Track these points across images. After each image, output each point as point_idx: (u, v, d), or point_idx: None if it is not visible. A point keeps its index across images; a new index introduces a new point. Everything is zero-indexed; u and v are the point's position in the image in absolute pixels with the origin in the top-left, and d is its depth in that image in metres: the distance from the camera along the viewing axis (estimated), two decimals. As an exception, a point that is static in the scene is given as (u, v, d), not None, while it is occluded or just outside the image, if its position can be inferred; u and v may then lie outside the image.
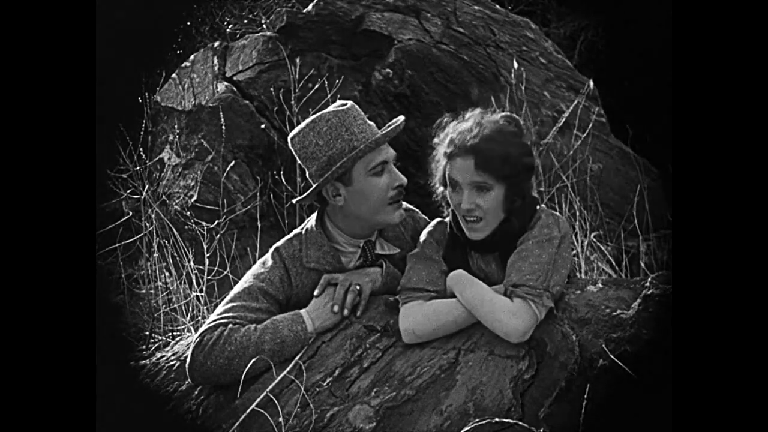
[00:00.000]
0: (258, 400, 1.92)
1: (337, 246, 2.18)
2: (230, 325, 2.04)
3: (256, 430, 1.90)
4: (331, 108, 2.13)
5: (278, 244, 2.20)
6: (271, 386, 1.94)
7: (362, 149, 2.04)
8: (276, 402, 1.91)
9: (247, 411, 1.90)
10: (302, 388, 1.93)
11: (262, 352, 2.00)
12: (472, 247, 2.06)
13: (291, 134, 2.14)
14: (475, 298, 1.92)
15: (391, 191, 2.09)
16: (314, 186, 2.09)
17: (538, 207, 2.04)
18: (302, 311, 2.08)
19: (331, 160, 2.06)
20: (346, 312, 2.08)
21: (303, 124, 2.12)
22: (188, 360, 2.04)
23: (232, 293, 2.14)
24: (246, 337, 2.01)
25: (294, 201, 2.22)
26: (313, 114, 2.14)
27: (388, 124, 2.13)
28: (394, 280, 2.12)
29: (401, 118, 2.15)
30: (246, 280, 2.15)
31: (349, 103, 2.14)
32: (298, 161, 2.16)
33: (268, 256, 2.19)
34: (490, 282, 1.98)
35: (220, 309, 2.11)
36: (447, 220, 2.14)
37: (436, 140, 2.06)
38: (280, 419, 1.88)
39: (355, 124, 2.08)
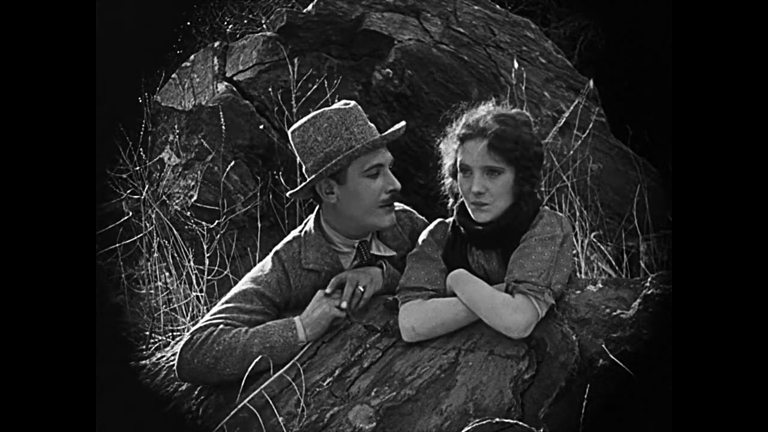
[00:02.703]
0: (250, 397, 1.91)
1: (334, 246, 2.18)
2: (221, 326, 2.04)
3: (256, 430, 1.90)
4: (334, 106, 2.14)
5: (278, 247, 2.20)
6: (264, 384, 1.94)
7: (359, 149, 2.05)
8: (274, 402, 1.91)
9: (239, 406, 1.91)
10: (299, 391, 1.93)
11: (250, 354, 1.99)
12: (475, 241, 2.05)
13: (292, 128, 2.15)
14: (476, 294, 1.92)
15: (384, 195, 2.10)
16: (308, 180, 2.10)
17: (540, 207, 2.05)
18: (296, 318, 2.07)
19: (327, 157, 2.06)
20: (344, 305, 2.08)
21: (304, 119, 2.13)
22: (176, 357, 2.06)
23: (227, 295, 2.15)
24: (235, 339, 2.01)
25: (288, 194, 2.22)
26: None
27: (390, 129, 2.13)
28: (395, 280, 2.12)
29: (402, 123, 2.16)
30: (242, 283, 2.16)
31: (353, 102, 2.15)
32: (296, 155, 2.16)
33: (267, 259, 2.19)
34: (490, 280, 1.98)
35: (213, 310, 2.12)
36: (448, 220, 2.14)
37: (448, 128, 2.07)
38: (280, 419, 1.88)
39: (355, 124, 2.08)
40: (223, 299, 2.14)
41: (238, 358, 1.99)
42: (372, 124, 2.13)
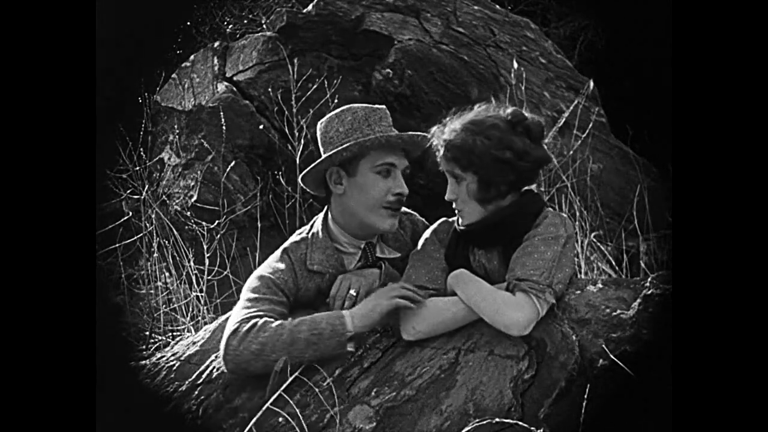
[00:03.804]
0: (272, 398, 1.90)
1: (339, 246, 2.18)
2: (264, 318, 2.02)
3: (255, 429, 1.90)
4: (365, 105, 2.19)
5: (286, 245, 2.20)
6: (284, 386, 1.92)
7: (372, 140, 2.08)
8: (274, 403, 1.91)
9: (263, 409, 1.89)
10: (316, 389, 1.93)
11: (298, 341, 1.96)
12: (472, 241, 2.06)
13: (321, 119, 2.21)
14: (476, 293, 1.92)
15: (391, 196, 2.11)
16: (320, 160, 2.12)
17: (545, 207, 2.05)
18: (344, 311, 2.04)
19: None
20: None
21: (334, 111, 2.19)
22: (222, 348, 2.01)
23: (250, 289, 2.12)
24: (281, 326, 1.98)
25: (299, 177, 2.23)
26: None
27: (409, 132, 2.15)
28: (394, 281, 2.12)
29: (423, 134, 2.16)
30: (260, 276, 2.13)
31: (384, 106, 2.20)
32: (319, 144, 2.19)
33: (278, 256, 2.18)
34: (491, 279, 1.98)
35: (246, 303, 2.08)
36: (451, 219, 2.15)
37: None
38: (280, 419, 1.88)
39: (378, 124, 2.13)
40: (249, 294, 2.11)
41: (285, 343, 1.95)
42: (395, 130, 2.17)
